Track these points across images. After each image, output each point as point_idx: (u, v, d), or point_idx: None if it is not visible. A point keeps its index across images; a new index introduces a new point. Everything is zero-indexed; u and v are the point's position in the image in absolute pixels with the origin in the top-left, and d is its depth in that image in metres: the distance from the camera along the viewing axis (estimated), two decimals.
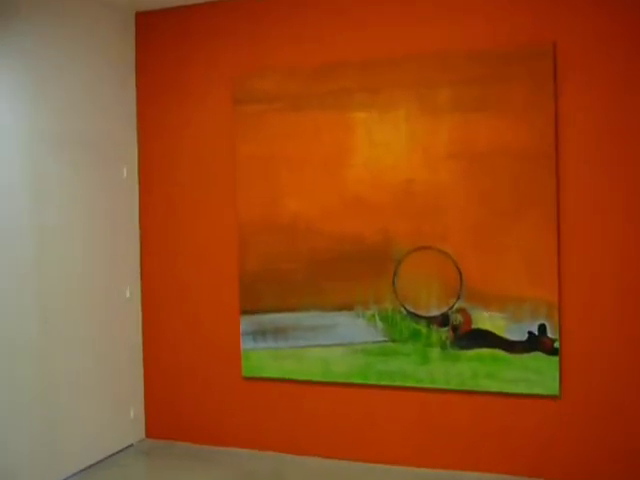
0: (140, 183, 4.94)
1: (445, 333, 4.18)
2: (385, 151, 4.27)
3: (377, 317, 4.31)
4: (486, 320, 4.09)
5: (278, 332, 4.54)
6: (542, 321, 3.98)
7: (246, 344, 4.62)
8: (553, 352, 3.96)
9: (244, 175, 4.60)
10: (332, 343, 4.41)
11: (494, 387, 4.09)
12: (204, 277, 4.76)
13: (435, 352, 4.20)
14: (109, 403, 4.64)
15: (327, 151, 4.39)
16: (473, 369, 4.12)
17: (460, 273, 4.13)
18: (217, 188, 4.71)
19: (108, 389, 4.63)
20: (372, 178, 4.30)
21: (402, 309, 4.26)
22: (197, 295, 4.79)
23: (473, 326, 4.13)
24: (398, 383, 4.28)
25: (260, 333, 4.58)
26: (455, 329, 4.16)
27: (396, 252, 4.26)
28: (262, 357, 4.59)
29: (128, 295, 4.82)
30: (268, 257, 4.54)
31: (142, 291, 4.95)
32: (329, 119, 4.38)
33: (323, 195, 4.40)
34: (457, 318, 4.15)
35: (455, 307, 4.15)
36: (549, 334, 3.97)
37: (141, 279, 4.95)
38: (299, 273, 4.47)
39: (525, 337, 4.01)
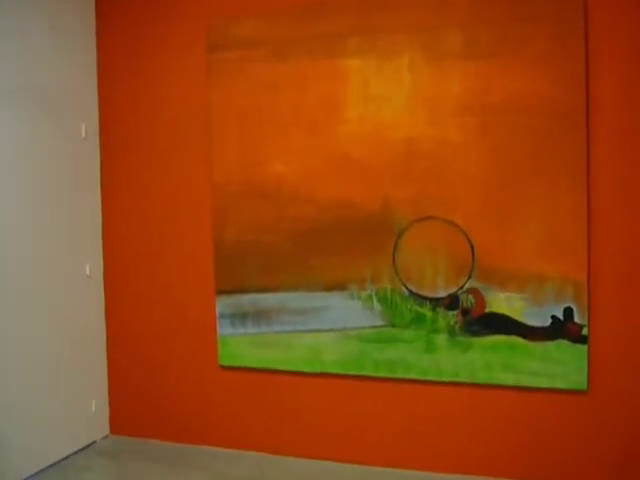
0: (101, 143, 4.30)
1: (454, 317, 3.59)
2: (384, 105, 3.65)
3: (374, 298, 3.72)
4: (502, 302, 3.51)
5: (260, 315, 3.95)
6: (568, 304, 3.40)
7: (223, 329, 4.03)
8: (581, 340, 3.39)
9: (220, 133, 3.97)
10: (322, 328, 3.83)
11: (510, 380, 3.51)
12: (174, 251, 4.15)
13: (442, 339, 3.62)
14: (66, 395, 4.04)
15: (316, 105, 3.77)
16: (486, 359, 3.55)
17: (472, 247, 3.53)
18: (189, 148, 4.08)
19: (65, 379, 4.03)
20: (368, 136, 3.68)
21: (404, 289, 3.67)
22: (167, 272, 4.18)
23: (487, 309, 3.54)
24: (398, 375, 3.70)
25: (239, 316, 3.99)
26: (465, 313, 3.57)
27: (397, 222, 3.66)
28: (242, 344, 4.00)
29: (88, 272, 4.20)
30: (248, 227, 3.94)
31: (104, 268, 4.35)
32: (318, 68, 3.76)
33: (311, 156, 3.79)
34: (468, 300, 3.57)
35: (466, 287, 3.56)
36: (576, 319, 3.39)
37: (103, 254, 4.34)
38: (284, 246, 3.87)
39: (548, 322, 3.43)
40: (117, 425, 4.39)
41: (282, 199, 3.85)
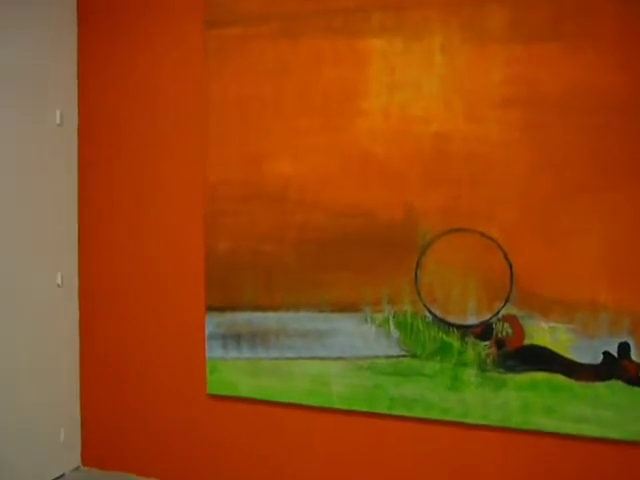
0: (79, 132, 3.74)
1: (486, 349, 3.03)
2: (411, 95, 3.10)
3: (392, 323, 3.16)
4: (544, 333, 2.95)
5: (256, 337, 3.38)
6: (624, 338, 2.85)
7: (213, 351, 3.47)
8: (638, 382, 2.82)
9: (217, 125, 3.42)
10: (329, 355, 3.27)
11: (551, 426, 2.95)
12: (160, 260, 3.59)
13: (471, 374, 3.05)
14: (31, 422, 3.48)
15: (330, 94, 3.22)
16: (523, 400, 2.98)
17: (510, 267, 2.97)
18: (181, 141, 3.52)
19: (30, 403, 3.47)
20: (392, 132, 3.13)
21: (427, 313, 3.11)
22: (150, 284, 3.61)
23: (525, 341, 2.98)
24: (417, 414, 3.14)
25: (232, 338, 3.42)
26: (500, 344, 3.01)
27: (421, 235, 3.10)
28: (234, 370, 3.43)
29: (59, 282, 3.64)
30: (245, 236, 3.38)
31: (79, 277, 3.78)
32: (334, 49, 3.21)
33: (323, 154, 3.23)
34: (504, 329, 3.01)
35: (501, 314, 3.00)
36: (633, 356, 2.83)
37: (78, 261, 3.77)
38: (287, 259, 3.31)
39: (599, 359, 2.88)
40: (89, 456, 3.82)
41: (287, 204, 3.30)
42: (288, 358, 3.33)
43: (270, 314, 3.35)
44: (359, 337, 3.21)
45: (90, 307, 3.76)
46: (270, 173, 3.32)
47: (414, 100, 3.09)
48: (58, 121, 3.60)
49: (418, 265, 3.11)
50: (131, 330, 3.67)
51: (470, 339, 3.05)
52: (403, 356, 3.15)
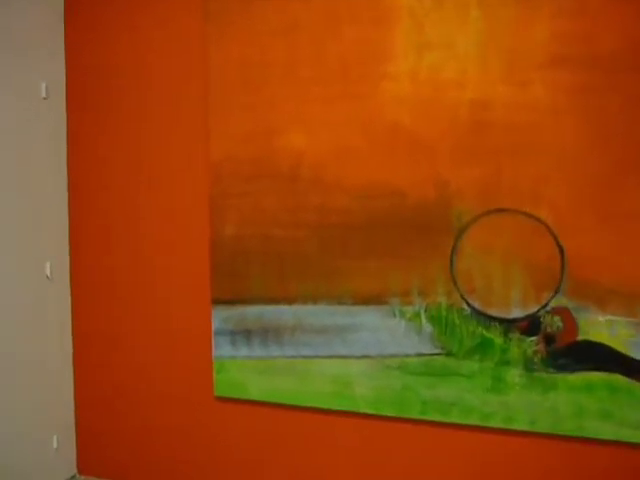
0: (68, 106, 3.35)
1: (533, 346, 2.66)
2: (443, 55, 2.70)
3: (423, 316, 2.79)
4: (601, 328, 2.57)
5: (269, 333, 3.01)
6: None
7: (221, 349, 3.10)
8: None
9: (219, 94, 3.02)
10: (352, 354, 2.90)
11: (609, 433, 2.58)
12: (159, 248, 3.21)
13: (515, 374, 2.68)
14: (22, 427, 3.13)
15: (349, 57, 2.82)
16: (576, 403, 2.61)
17: (561, 251, 2.59)
18: (179, 115, 3.13)
19: (20, 408, 3.12)
20: (422, 99, 2.73)
21: (464, 306, 2.73)
22: (149, 275, 3.24)
23: (579, 336, 2.60)
24: (454, 419, 2.77)
25: (242, 334, 3.06)
26: (550, 340, 2.63)
27: (457, 216, 2.71)
28: (244, 369, 3.07)
29: (48, 273, 3.26)
30: (255, 220, 3.00)
31: (71, 268, 3.41)
32: (353, 4, 2.79)
33: (342, 126, 2.84)
34: (553, 323, 2.63)
35: (551, 305, 2.62)
36: None
37: (69, 250, 3.40)
38: (303, 245, 2.93)
39: None
40: (85, 464, 3.48)
41: (302, 183, 2.91)
42: (305, 356, 2.96)
43: (284, 307, 2.98)
44: (386, 333, 2.84)
45: (83, 302, 3.39)
46: (281, 148, 2.93)
47: (447, 62, 2.68)
48: (44, 94, 3.21)
49: (454, 251, 2.72)
50: (129, 327, 3.30)
51: (514, 334, 2.67)
52: (437, 354, 2.78)
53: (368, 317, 2.85)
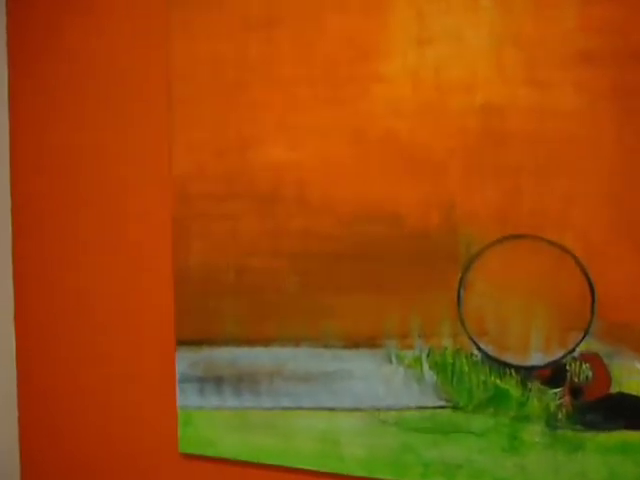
0: (11, 107, 2.92)
1: (557, 398, 2.23)
2: (449, 51, 2.27)
3: (426, 362, 2.36)
4: (638, 377, 2.14)
5: (243, 380, 2.58)
6: None
7: (186, 399, 2.66)
8: None
9: (186, 97, 2.59)
10: (340, 406, 2.46)
11: None
12: (115, 278, 2.76)
13: (535, 432, 2.25)
14: None
15: (337, 53, 2.39)
16: (609, 467, 2.18)
17: (591, 287, 2.17)
18: (137, 121, 2.69)
19: None
20: (423, 104, 2.30)
21: (474, 350, 2.30)
22: (103, 310, 2.79)
23: (612, 388, 2.18)
24: None
25: (212, 381, 2.62)
26: (577, 392, 2.21)
27: (466, 244, 2.28)
28: (215, 422, 2.63)
29: None
30: (227, 247, 2.56)
31: (14, 297, 2.96)
32: None
33: (329, 136, 2.41)
34: (582, 371, 2.20)
35: (578, 351, 2.20)
36: None
37: (13, 277, 2.96)
38: (284, 277, 2.50)
39: None
40: None
41: (283, 204, 2.47)
42: (285, 408, 2.52)
43: (261, 350, 2.54)
44: (381, 381, 2.40)
45: (28, 338, 2.94)
46: (258, 163, 2.48)
47: (453, 59, 2.26)
48: None
49: (461, 285, 2.29)
50: (81, 371, 2.86)
51: (535, 385, 2.25)
52: (442, 407, 2.34)
53: (360, 363, 2.42)
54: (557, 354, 2.22)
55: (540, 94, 2.18)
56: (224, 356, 2.58)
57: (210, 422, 2.63)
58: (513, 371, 2.27)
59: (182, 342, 2.64)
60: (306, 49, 2.41)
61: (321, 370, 2.47)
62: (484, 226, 2.26)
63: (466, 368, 2.31)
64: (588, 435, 2.20)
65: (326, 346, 2.45)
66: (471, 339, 2.30)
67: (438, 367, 2.34)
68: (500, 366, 2.28)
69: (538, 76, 2.17)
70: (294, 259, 2.48)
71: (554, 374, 2.23)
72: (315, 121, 2.41)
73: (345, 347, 2.43)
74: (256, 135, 2.48)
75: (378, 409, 2.41)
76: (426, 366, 2.35)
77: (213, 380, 2.61)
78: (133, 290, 2.72)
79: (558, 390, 2.22)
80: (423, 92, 2.30)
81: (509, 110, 2.21)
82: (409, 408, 2.38)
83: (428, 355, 2.35)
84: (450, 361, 2.33)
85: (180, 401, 2.67)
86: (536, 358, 2.24)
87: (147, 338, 2.70)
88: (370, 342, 2.40)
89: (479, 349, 2.29)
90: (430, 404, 2.35)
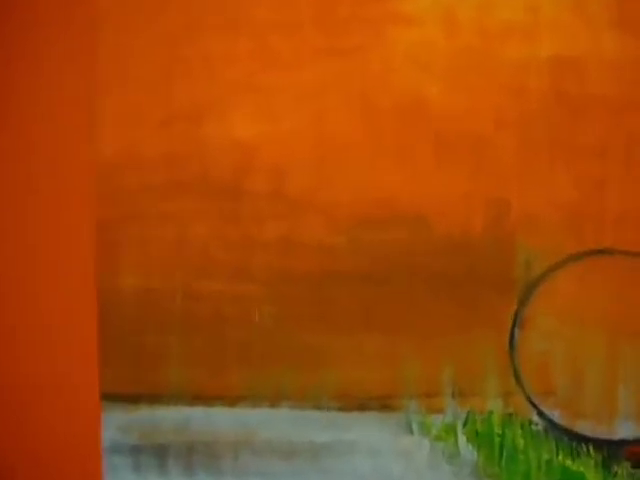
0: None
1: None
2: None
3: (462, 433, 1.66)
4: None
5: (197, 453, 1.86)
6: None
7: (116, 476, 1.92)
8: None
9: (112, 48, 1.84)
10: None
11: None
12: (12, 306, 2.01)
13: None
14: None
15: None
16: None
17: None
18: (44, 83, 1.93)
19: None
20: (459, 57, 1.60)
21: (534, 416, 1.62)
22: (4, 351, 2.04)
23: None
24: None
25: (152, 452, 1.90)
26: None
27: (525, 262, 1.62)
28: None
29: None
30: (173, 264, 1.84)
31: None
32: None
33: (319, 103, 1.71)
34: None
35: None
36: None
37: None
38: (253, 307, 1.78)
39: None
40: None
41: (251, 201, 1.75)
42: None
43: (222, 411, 1.81)
44: (396, 458, 1.69)
45: None
46: (216, 141, 1.75)
47: None
48: None
49: (517, 321, 1.60)
50: None
51: (622, 467, 1.58)
52: None
53: (365, 432, 1.71)
54: None
55: (635, 42, 1.48)
56: (170, 418, 1.85)
57: None
58: (591, 447, 1.58)
59: (110, 397, 1.89)
60: None
61: (308, 441, 1.74)
62: (551, 236, 1.56)
63: (521, 442, 1.61)
64: None
65: (316, 407, 1.73)
66: (529, 400, 1.60)
67: (480, 440, 1.64)
68: (572, 440, 1.59)
69: (632, 18, 1.48)
70: (268, 281, 1.74)
71: None
72: (299, 82, 1.68)
73: (344, 409, 1.72)
74: (213, 101, 1.73)
75: None
76: (462, 438, 1.65)
77: (154, 451, 1.88)
78: (39, 323, 1.98)
79: None
80: (460, 39, 1.59)
81: (589, 66, 1.51)
82: None
83: (465, 422, 1.64)
84: (498, 431, 1.63)
85: (107, 479, 1.93)
86: (625, 429, 1.57)
87: (59, 391, 1.97)
88: (381, 403, 1.70)
89: (541, 415, 1.59)
90: None
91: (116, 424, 1.89)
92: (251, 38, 1.71)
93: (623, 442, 1.56)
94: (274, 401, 1.76)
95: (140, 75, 1.79)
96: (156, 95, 1.79)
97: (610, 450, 1.57)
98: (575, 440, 1.59)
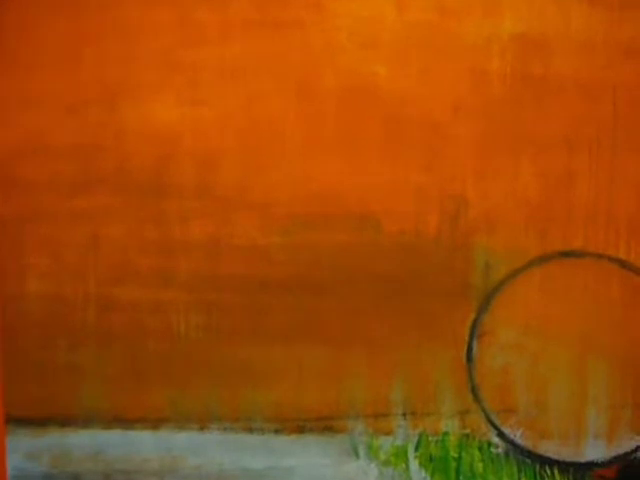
0: None
1: None
2: None
3: (413, 457, 1.49)
4: None
5: None
6: None
7: None
8: None
9: (9, 32, 1.58)
10: None
11: None
12: None
13: None
14: None
15: None
16: None
17: None
18: None
19: None
20: (413, 33, 1.41)
21: (494, 437, 1.45)
22: None
23: None
24: None
25: None
26: None
27: (483, 266, 1.45)
28: None
29: None
30: (85, 268, 1.61)
31: None
32: None
33: (252, 82, 1.50)
34: None
35: None
36: None
37: None
38: (177, 317, 1.57)
39: None
40: None
41: (174, 196, 1.53)
42: None
43: (143, 435, 1.60)
44: None
45: None
46: (132, 126, 1.52)
47: None
48: None
49: (475, 332, 1.44)
50: None
51: None
52: None
53: (305, 457, 1.53)
54: (628, 444, 1.39)
55: (607, 18, 1.32)
56: (84, 443, 1.64)
57: None
58: (557, 470, 1.43)
59: (15, 420, 1.67)
60: None
61: (241, 468, 1.56)
62: (514, 237, 1.39)
63: (480, 466, 1.45)
64: None
65: (250, 430, 1.54)
66: (489, 420, 1.44)
67: (434, 464, 1.47)
68: (536, 462, 1.43)
69: None
70: (194, 287, 1.54)
71: (622, 475, 1.40)
72: (229, 58, 1.47)
73: (281, 432, 1.53)
74: (128, 81, 1.50)
75: None
76: (414, 463, 1.48)
77: None
78: None
79: None
80: (414, 14, 1.39)
81: (557, 45, 1.34)
82: None
83: (418, 445, 1.47)
84: (454, 455, 1.46)
85: None
86: (593, 450, 1.42)
87: None
88: (323, 424, 1.51)
89: (502, 436, 1.43)
90: None
91: (23, 450, 1.69)
92: (172, 8, 1.49)
93: (591, 464, 1.41)
94: (202, 423, 1.56)
95: (42, 51, 1.55)
96: (62, 74, 1.55)
97: (577, 473, 1.42)
98: (539, 463, 1.43)
